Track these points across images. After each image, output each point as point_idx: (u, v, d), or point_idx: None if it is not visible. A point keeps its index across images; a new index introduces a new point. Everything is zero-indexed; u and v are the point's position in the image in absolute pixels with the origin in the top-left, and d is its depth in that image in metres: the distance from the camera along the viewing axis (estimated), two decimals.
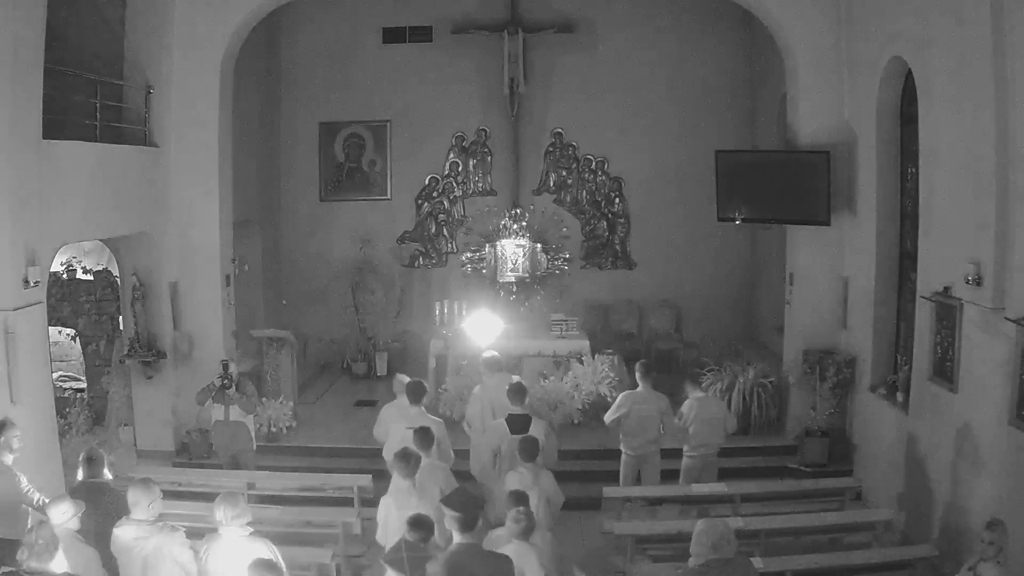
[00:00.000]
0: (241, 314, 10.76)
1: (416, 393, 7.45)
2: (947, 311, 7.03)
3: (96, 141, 8.52)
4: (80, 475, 5.95)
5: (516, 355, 10.29)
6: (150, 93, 9.57)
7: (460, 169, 13.55)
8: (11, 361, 6.83)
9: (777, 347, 10.91)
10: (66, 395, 10.56)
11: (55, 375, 9.36)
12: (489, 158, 13.51)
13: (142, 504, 5.11)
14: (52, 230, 7.50)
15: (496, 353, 8.43)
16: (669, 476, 8.01)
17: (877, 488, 8.41)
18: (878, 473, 8.51)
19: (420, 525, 4.89)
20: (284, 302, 13.07)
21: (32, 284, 7.07)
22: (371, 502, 6.89)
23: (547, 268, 11.83)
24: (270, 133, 13.26)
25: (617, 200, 13.46)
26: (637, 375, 7.97)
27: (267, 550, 4.92)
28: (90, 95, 8.56)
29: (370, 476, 7.59)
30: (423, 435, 6.55)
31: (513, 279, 11.75)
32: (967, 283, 6.59)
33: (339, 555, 6.70)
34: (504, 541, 5.12)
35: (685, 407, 7.85)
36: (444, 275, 13.36)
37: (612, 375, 10.11)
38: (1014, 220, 6.21)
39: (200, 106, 9.80)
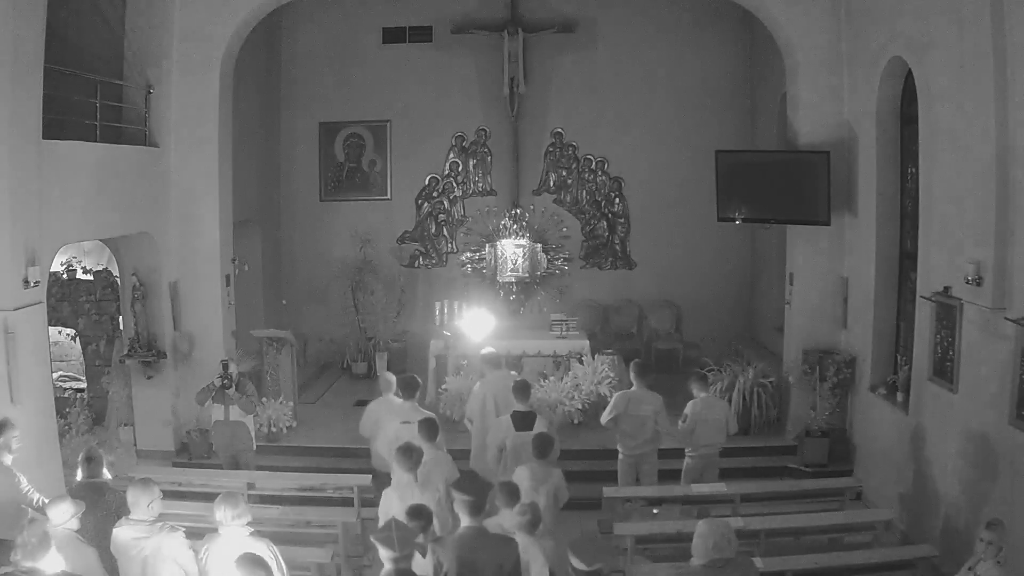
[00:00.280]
0: (241, 314, 10.75)
1: (409, 388, 7.48)
2: (947, 311, 7.03)
3: (96, 141, 8.51)
4: (80, 475, 5.94)
5: (516, 355, 10.31)
6: (150, 93, 9.57)
7: (460, 169, 13.55)
8: (11, 361, 6.82)
9: (777, 347, 10.92)
10: (66, 395, 10.55)
11: (55, 375, 9.36)
12: (489, 158, 13.52)
13: (142, 504, 5.11)
14: (52, 230, 7.49)
15: (494, 350, 8.51)
16: (669, 476, 8.00)
17: (877, 488, 8.42)
18: (878, 473, 8.52)
19: (419, 515, 4.91)
20: (284, 302, 13.06)
21: (32, 284, 7.06)
22: (371, 502, 6.89)
23: (547, 268, 11.83)
24: (270, 133, 13.26)
25: (617, 200, 13.47)
26: (631, 374, 7.96)
27: (267, 550, 4.92)
28: (90, 95, 8.55)
29: (370, 476, 7.62)
30: (428, 425, 6.57)
31: (513, 279, 11.76)
32: (967, 283, 6.59)
33: (339, 555, 6.71)
34: (499, 531, 5.14)
35: (689, 407, 7.84)
36: (444, 275, 13.37)
37: (612, 375, 10.10)
38: (1014, 220, 6.22)
39: (200, 106, 9.80)
